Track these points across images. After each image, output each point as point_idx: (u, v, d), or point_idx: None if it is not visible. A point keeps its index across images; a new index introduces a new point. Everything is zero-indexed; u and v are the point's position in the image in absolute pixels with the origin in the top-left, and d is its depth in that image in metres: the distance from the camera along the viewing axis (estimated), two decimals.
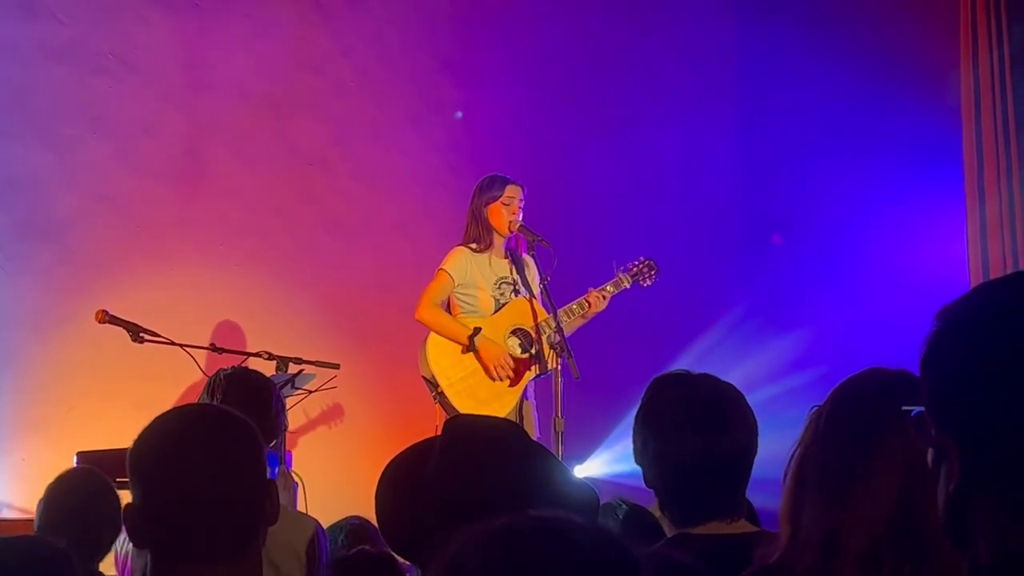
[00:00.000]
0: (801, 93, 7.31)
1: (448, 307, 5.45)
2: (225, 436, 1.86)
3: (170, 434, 1.85)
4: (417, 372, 5.41)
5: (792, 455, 1.85)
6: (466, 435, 1.91)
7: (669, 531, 2.42)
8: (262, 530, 1.86)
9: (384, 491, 1.93)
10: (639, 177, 7.40)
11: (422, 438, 2.01)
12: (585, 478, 5.72)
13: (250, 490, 1.84)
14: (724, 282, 7.55)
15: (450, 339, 5.31)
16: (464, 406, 5.19)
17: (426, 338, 5.35)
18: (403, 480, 1.90)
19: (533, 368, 5.31)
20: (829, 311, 7.07)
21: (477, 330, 5.28)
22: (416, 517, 1.83)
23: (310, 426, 6.31)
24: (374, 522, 3.84)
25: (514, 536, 1.12)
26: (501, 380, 5.28)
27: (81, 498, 3.29)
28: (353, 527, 3.78)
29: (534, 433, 5.29)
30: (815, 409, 1.86)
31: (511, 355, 5.30)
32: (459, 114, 7.05)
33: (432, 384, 5.31)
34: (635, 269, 5.62)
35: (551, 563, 1.10)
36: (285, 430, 4.07)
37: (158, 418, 1.89)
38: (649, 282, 5.66)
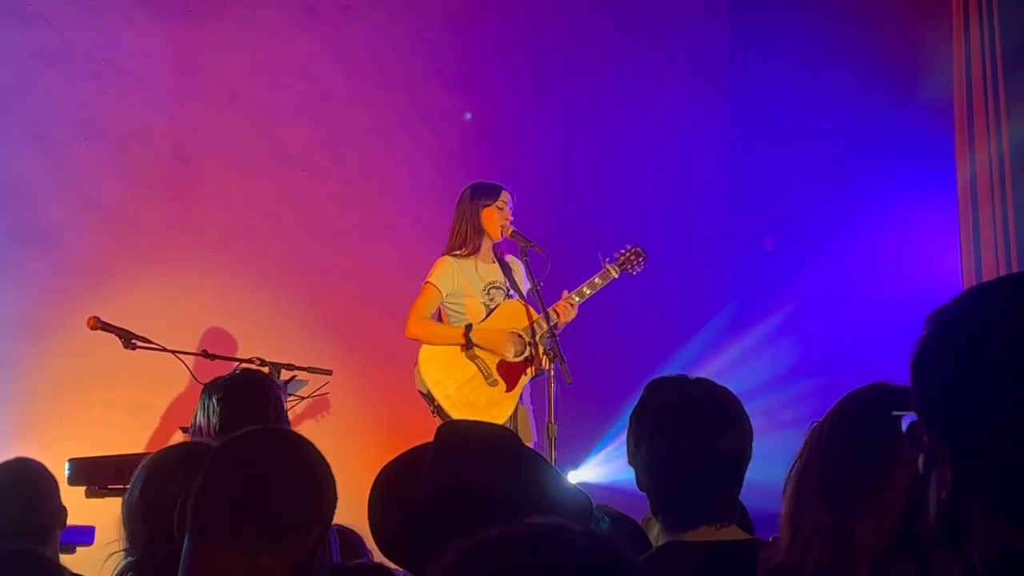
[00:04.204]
0: (793, 93, 7.31)
1: (439, 320, 5.42)
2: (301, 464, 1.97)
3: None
4: (409, 378, 5.39)
5: (791, 470, 1.83)
6: (457, 442, 1.91)
7: (659, 536, 2.41)
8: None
9: (376, 498, 1.93)
10: (631, 180, 7.39)
11: (414, 444, 2.00)
12: (579, 483, 5.70)
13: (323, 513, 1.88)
14: (716, 286, 7.54)
15: (446, 344, 5.28)
16: (463, 416, 5.13)
17: (418, 352, 5.32)
18: (395, 487, 1.90)
19: (529, 371, 5.28)
20: (820, 313, 7.07)
21: (469, 327, 5.26)
22: (408, 524, 1.82)
23: (302, 432, 6.28)
24: (358, 529, 3.82)
25: (511, 544, 1.12)
26: (517, 358, 5.25)
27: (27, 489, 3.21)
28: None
29: (531, 438, 5.25)
30: (815, 425, 1.85)
31: (508, 360, 5.28)
32: (468, 115, 7.02)
33: (429, 399, 5.28)
34: (622, 258, 5.54)
35: (548, 571, 1.10)
36: None
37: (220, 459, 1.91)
38: (639, 269, 5.57)
